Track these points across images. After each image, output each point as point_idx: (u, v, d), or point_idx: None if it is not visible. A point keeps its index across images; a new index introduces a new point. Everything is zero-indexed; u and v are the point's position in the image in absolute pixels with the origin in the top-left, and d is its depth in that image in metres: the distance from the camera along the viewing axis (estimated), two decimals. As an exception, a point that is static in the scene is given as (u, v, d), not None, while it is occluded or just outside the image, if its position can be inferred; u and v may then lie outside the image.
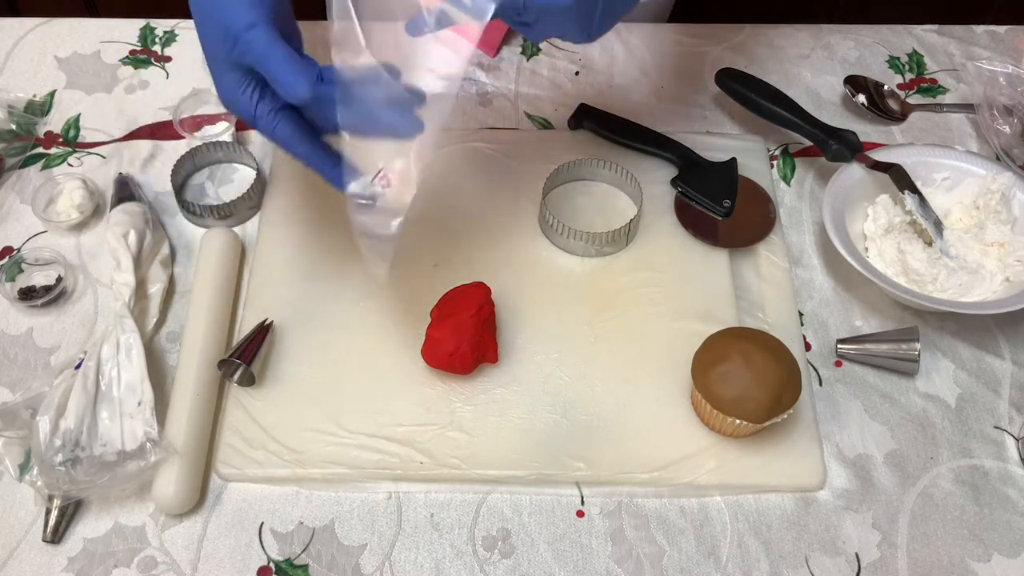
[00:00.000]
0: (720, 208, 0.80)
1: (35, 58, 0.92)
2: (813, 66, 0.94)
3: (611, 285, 0.77)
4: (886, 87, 0.91)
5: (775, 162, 0.87)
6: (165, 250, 0.78)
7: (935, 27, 0.98)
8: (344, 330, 0.74)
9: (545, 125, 0.89)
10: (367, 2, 0.56)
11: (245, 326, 0.74)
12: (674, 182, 0.82)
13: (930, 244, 0.77)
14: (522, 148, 0.85)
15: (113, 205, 0.78)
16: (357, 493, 0.68)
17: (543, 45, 0.95)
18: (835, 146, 0.81)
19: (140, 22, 0.95)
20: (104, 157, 0.85)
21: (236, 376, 0.71)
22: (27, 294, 0.76)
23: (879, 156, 0.80)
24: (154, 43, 0.94)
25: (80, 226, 0.80)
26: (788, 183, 0.85)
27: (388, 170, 0.60)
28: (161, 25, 0.95)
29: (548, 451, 0.68)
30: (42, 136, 0.87)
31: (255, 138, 0.87)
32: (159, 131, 0.87)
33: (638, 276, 0.77)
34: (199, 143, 0.83)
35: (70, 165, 0.85)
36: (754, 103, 0.85)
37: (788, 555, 0.66)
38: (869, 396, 0.73)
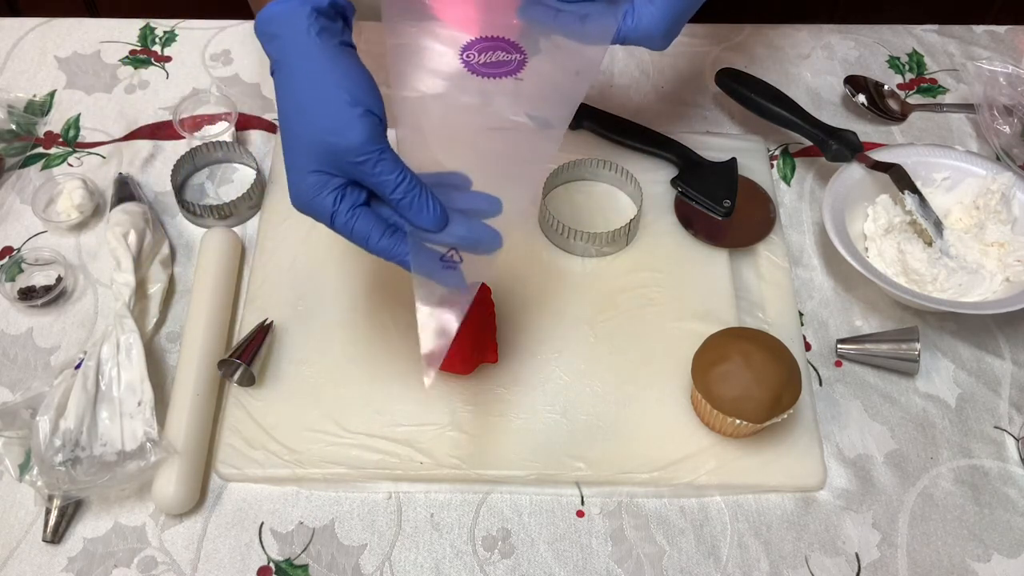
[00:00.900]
0: (720, 208, 0.80)
1: (35, 58, 0.92)
2: (813, 66, 0.94)
3: (611, 285, 0.77)
4: (886, 87, 0.91)
5: (775, 162, 0.87)
6: (165, 250, 0.78)
7: (935, 27, 0.98)
8: (344, 330, 0.74)
9: (545, 125, 0.89)
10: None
11: (245, 326, 0.74)
12: (674, 182, 0.82)
13: (930, 244, 0.77)
14: (522, 148, 0.85)
15: (113, 205, 0.78)
16: (357, 493, 0.68)
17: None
18: (835, 146, 0.81)
19: (140, 22, 0.95)
20: (104, 157, 0.85)
21: (236, 376, 0.71)
22: (27, 294, 0.76)
23: (879, 156, 0.80)
24: (154, 43, 0.94)
25: (80, 226, 0.80)
26: (788, 183, 0.85)
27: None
28: (161, 25, 0.95)
29: (548, 451, 0.68)
30: (42, 136, 0.87)
31: (255, 138, 0.87)
32: (159, 131, 0.87)
33: (638, 276, 0.77)
34: (199, 143, 0.83)
35: (70, 165, 0.85)
36: (754, 103, 0.85)
37: (788, 555, 0.66)
38: (869, 396, 0.73)
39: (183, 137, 0.84)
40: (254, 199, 0.81)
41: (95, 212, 0.81)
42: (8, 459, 0.67)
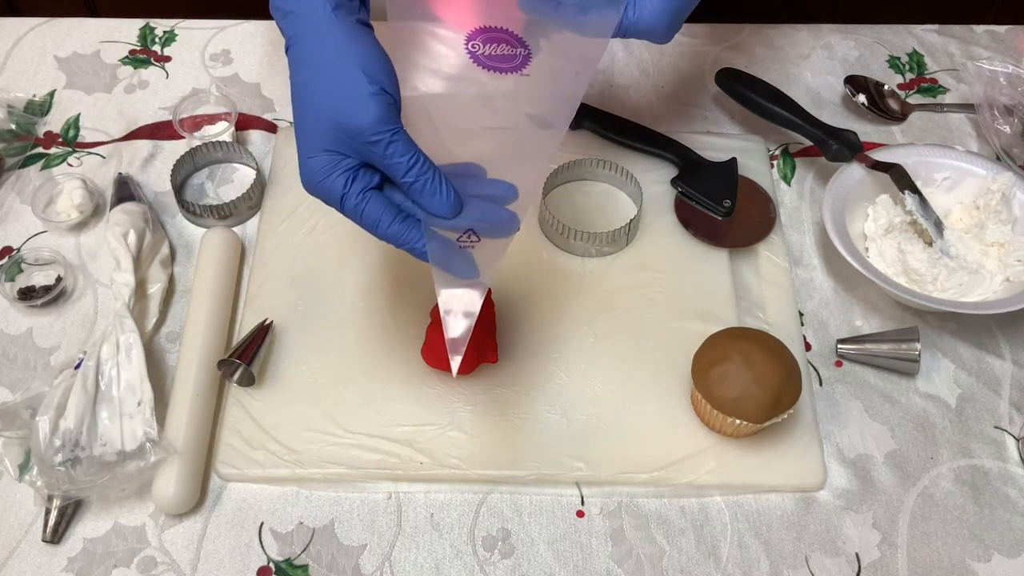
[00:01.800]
0: (720, 208, 0.80)
1: (35, 58, 0.92)
2: (813, 66, 0.94)
3: (611, 285, 0.77)
4: (886, 87, 0.91)
5: (775, 162, 0.87)
6: (165, 250, 0.78)
7: (935, 27, 0.98)
8: (344, 330, 0.74)
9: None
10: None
11: (245, 326, 0.74)
12: (674, 182, 0.82)
13: (930, 244, 0.77)
14: (522, 148, 0.85)
15: (113, 205, 0.78)
16: (357, 493, 0.68)
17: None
18: (835, 146, 0.81)
19: (140, 22, 0.95)
20: (104, 157, 0.85)
21: (236, 376, 0.71)
22: (27, 294, 0.76)
23: (879, 156, 0.80)
24: (154, 43, 0.94)
25: (80, 226, 0.80)
26: (788, 183, 0.85)
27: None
28: (161, 25, 0.95)
29: (548, 451, 0.68)
30: (42, 136, 0.87)
31: (255, 138, 0.87)
32: (159, 131, 0.87)
33: (638, 276, 0.77)
34: (199, 143, 0.83)
35: (70, 165, 0.85)
36: (754, 103, 0.85)
37: (788, 555, 0.66)
38: (869, 396, 0.73)
39: (183, 137, 0.84)
40: (254, 199, 0.81)
41: (95, 212, 0.81)
42: (8, 459, 0.67)
